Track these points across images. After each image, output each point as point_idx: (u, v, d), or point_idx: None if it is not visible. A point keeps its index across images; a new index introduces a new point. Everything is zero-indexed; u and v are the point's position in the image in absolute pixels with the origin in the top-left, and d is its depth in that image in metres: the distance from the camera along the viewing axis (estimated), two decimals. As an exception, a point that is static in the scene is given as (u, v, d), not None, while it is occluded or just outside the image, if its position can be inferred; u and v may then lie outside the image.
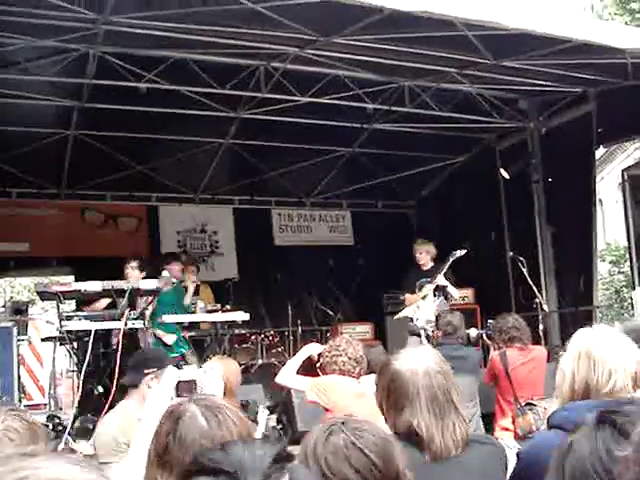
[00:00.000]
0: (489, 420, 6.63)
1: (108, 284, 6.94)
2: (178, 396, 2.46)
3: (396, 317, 9.33)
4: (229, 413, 2.00)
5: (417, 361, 2.58)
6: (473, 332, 8.06)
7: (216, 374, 2.81)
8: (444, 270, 8.79)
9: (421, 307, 8.95)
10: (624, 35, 7.93)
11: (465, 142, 12.15)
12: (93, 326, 6.84)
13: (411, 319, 8.91)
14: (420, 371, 2.53)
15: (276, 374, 9.20)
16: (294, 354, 10.43)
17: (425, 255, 9.27)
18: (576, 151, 10.34)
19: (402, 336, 9.36)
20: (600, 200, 20.63)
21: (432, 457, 2.45)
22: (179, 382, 2.51)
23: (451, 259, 8.82)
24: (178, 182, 12.43)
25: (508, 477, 2.60)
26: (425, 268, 9.26)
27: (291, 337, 10.72)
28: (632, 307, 16.67)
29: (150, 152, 11.69)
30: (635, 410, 1.36)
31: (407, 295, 9.23)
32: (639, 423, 1.28)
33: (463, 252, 8.87)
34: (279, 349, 10.40)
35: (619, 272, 21.24)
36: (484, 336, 7.98)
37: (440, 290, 8.90)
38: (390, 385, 2.58)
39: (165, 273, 7.70)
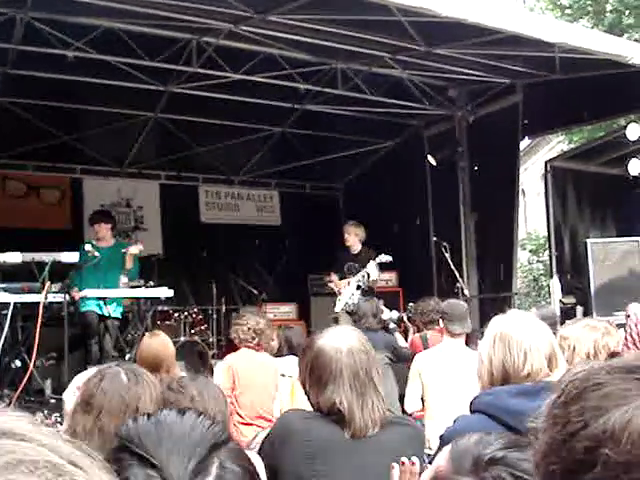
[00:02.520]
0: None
1: (28, 256, 6.78)
2: None
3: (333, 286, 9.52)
4: (146, 378, 2.42)
5: (341, 339, 2.62)
6: (394, 314, 8.21)
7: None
8: (374, 267, 9.12)
9: (346, 292, 9.14)
10: (554, 29, 8.11)
11: (394, 127, 12.25)
12: (12, 299, 6.69)
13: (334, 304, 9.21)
14: (344, 349, 2.58)
15: (199, 352, 9.28)
16: (217, 332, 10.52)
17: (354, 237, 9.42)
18: (502, 141, 10.55)
19: (326, 317, 9.46)
20: (523, 190, 21.12)
21: (352, 434, 2.49)
22: None
23: (377, 261, 9.18)
24: (104, 155, 12.17)
25: (430, 459, 2.66)
26: (353, 251, 9.40)
27: (215, 315, 10.68)
28: (549, 295, 17.15)
29: (76, 123, 11.42)
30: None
31: (333, 275, 9.36)
32: None
33: (389, 259, 9.28)
34: (202, 327, 10.35)
35: (538, 261, 21.84)
36: (404, 318, 8.14)
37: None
38: (314, 362, 2.61)
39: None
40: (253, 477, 1.19)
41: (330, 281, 9.53)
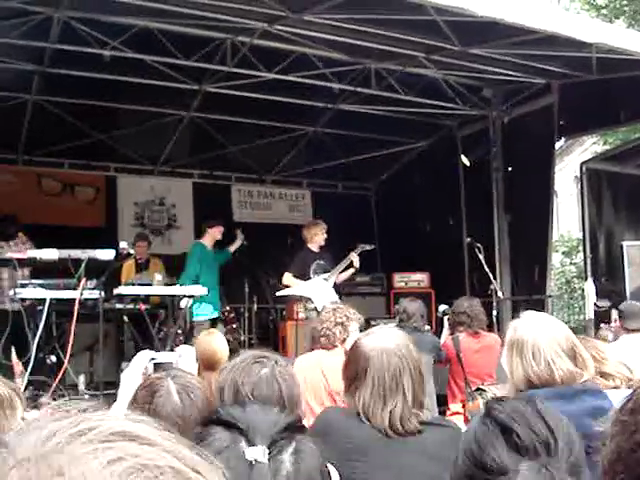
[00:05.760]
0: (442, 402, 6.72)
1: (65, 253, 6.84)
2: None
3: (280, 294, 9.35)
4: (200, 394, 2.19)
5: (378, 340, 2.60)
6: (442, 307, 8.10)
7: (191, 357, 2.89)
8: (355, 257, 9.07)
9: (321, 289, 8.89)
10: (592, 29, 8.01)
11: (427, 127, 12.20)
12: (48, 294, 6.75)
13: (309, 299, 8.89)
14: (377, 350, 2.55)
15: (231, 350, 9.29)
16: (249, 331, 10.52)
17: (324, 235, 9.31)
18: (537, 142, 10.45)
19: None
20: (555, 192, 20.92)
21: (382, 435, 2.48)
22: (155, 364, 2.52)
23: (360, 249, 9.14)
24: (138, 153, 12.28)
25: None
26: (317, 250, 9.28)
27: (246, 314, 10.71)
28: (582, 297, 16.99)
29: (111, 121, 11.51)
30: (515, 402, 1.46)
31: (289, 275, 9.11)
32: (511, 410, 1.39)
33: (372, 247, 9.36)
34: (234, 325, 10.37)
35: (570, 263, 21.62)
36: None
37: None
38: (349, 360, 2.62)
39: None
40: (324, 462, 1.28)
41: (286, 286, 9.17)
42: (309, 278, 9.02)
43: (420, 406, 2.56)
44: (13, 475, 0.56)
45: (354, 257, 9.04)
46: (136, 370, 2.49)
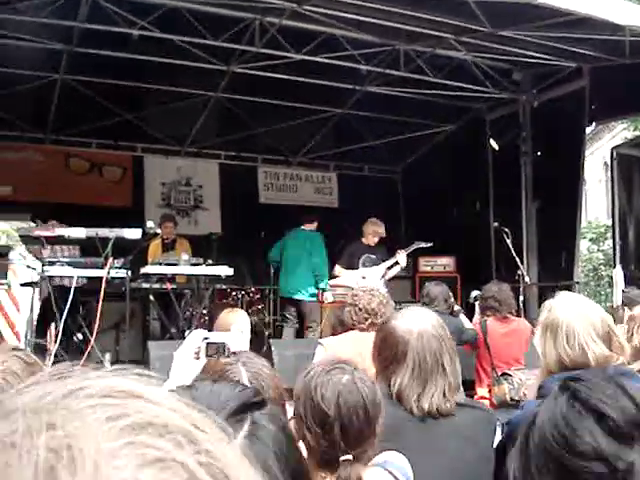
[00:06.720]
0: (468, 387, 6.67)
1: (92, 231, 6.86)
2: (209, 357, 2.44)
3: (330, 283, 9.46)
4: (271, 383, 2.07)
5: (414, 322, 2.56)
6: (474, 293, 8.05)
7: (245, 338, 2.84)
8: (406, 253, 9.15)
9: (367, 279, 8.97)
10: (625, 11, 7.87)
11: (456, 110, 12.09)
12: (75, 273, 6.79)
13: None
14: (414, 332, 2.52)
15: (256, 332, 9.31)
16: (274, 312, 10.53)
17: (378, 237, 9.37)
18: (567, 126, 10.32)
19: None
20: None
21: (416, 417, 2.45)
22: (208, 344, 2.47)
23: (414, 247, 9.21)
24: (165, 133, 12.29)
25: (496, 444, 2.60)
26: (370, 244, 9.37)
27: (272, 295, 10.71)
28: (609, 285, 16.84)
29: (138, 101, 11.54)
30: (597, 380, 1.39)
31: (339, 267, 9.35)
32: (598, 391, 1.32)
33: (428, 244, 9.33)
34: (259, 306, 10.39)
35: (598, 250, 21.43)
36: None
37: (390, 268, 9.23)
38: (383, 342, 2.58)
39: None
40: (290, 438, 1.18)
41: (336, 276, 9.41)
42: (357, 269, 9.20)
43: (457, 388, 2.54)
44: None
45: (400, 256, 9.11)
46: (189, 349, 2.45)
